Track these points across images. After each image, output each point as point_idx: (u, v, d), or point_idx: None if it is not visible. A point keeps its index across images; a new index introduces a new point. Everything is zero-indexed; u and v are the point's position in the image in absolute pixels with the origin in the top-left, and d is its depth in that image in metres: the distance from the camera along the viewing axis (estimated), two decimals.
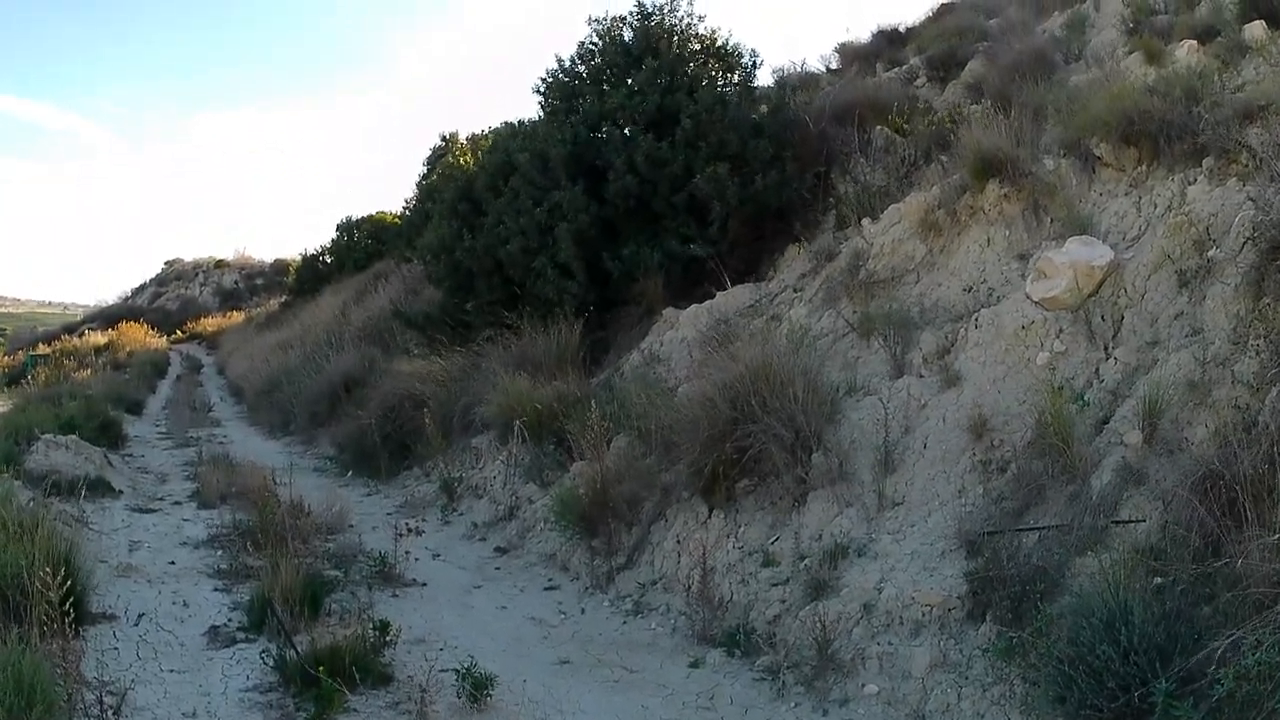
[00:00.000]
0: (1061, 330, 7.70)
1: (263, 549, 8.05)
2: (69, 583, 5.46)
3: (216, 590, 8.22)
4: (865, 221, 10.98)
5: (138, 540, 9.85)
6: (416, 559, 8.82)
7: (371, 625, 6.55)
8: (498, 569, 9.35)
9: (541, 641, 7.37)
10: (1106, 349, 7.46)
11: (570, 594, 8.49)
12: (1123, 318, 7.52)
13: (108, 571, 8.42)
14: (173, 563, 9.10)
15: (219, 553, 9.39)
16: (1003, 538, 6.24)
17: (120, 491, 12.27)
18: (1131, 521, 5.79)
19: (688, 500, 8.32)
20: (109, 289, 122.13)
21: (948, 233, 9.91)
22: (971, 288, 9.16)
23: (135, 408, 23.47)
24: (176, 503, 12.06)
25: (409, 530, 8.46)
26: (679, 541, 8.18)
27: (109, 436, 16.46)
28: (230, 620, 7.40)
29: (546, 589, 8.67)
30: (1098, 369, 7.34)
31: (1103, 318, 7.65)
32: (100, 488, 12.02)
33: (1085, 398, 7.11)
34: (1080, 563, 5.73)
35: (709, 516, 8.10)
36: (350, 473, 14.59)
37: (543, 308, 13.40)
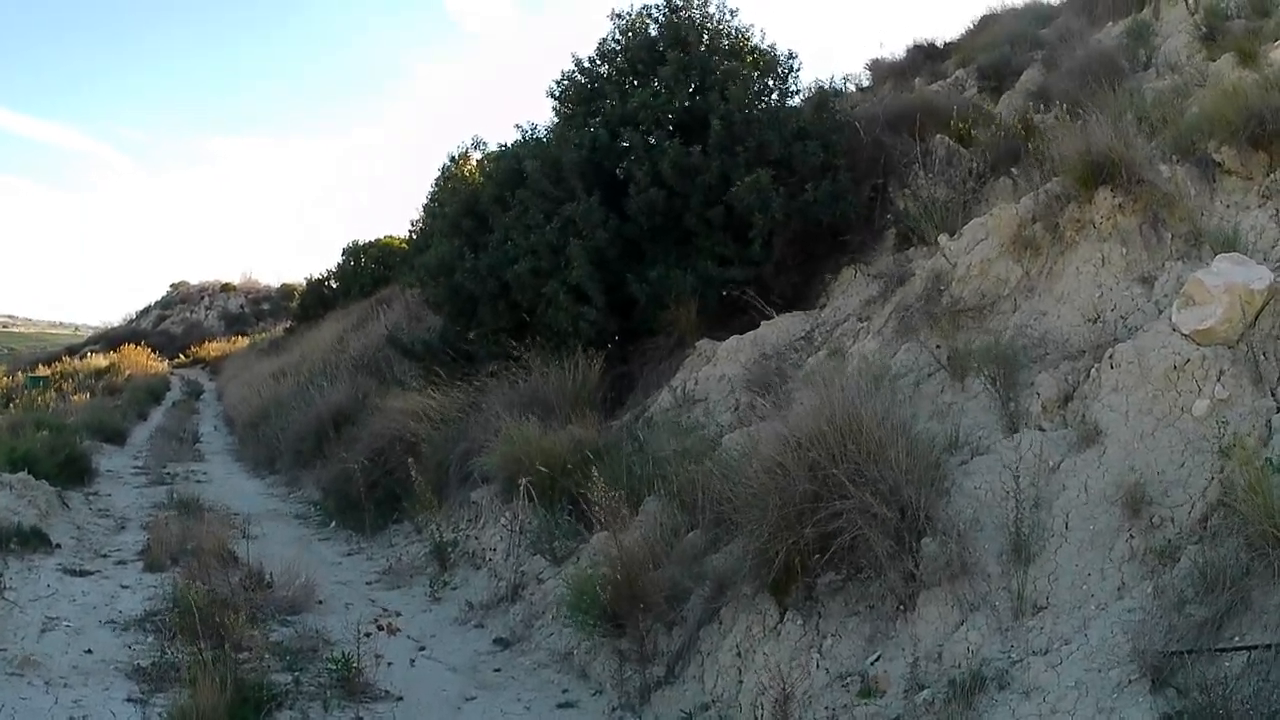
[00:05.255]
0: (1222, 371, 6.01)
1: (193, 643, 6.27)
2: None
3: (130, 701, 6.37)
4: (943, 239, 9.27)
5: (56, 616, 8.08)
6: (390, 664, 6.92)
7: None
8: (497, 671, 7.44)
9: None
10: (1274, 394, 5.87)
11: (592, 716, 6.58)
12: None
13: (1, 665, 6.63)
14: (89, 651, 7.32)
15: (150, 638, 7.58)
16: (1199, 660, 4.52)
17: (57, 545, 10.56)
18: None
19: (751, 598, 6.36)
20: (116, 311, 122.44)
21: (1048, 251, 8.24)
22: (1097, 317, 7.38)
23: (118, 437, 22.29)
24: (120, 562, 10.29)
25: (380, 629, 6.57)
26: (740, 653, 6.24)
27: (72, 472, 14.99)
28: None
29: (560, 706, 6.75)
30: (1269, 421, 5.70)
31: (1265, 355, 6.02)
32: (34, 540, 10.27)
33: (1273, 460, 5.32)
34: None
35: (781, 621, 6.15)
36: (334, 523, 12.90)
37: (555, 338, 11.69)
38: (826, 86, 13.84)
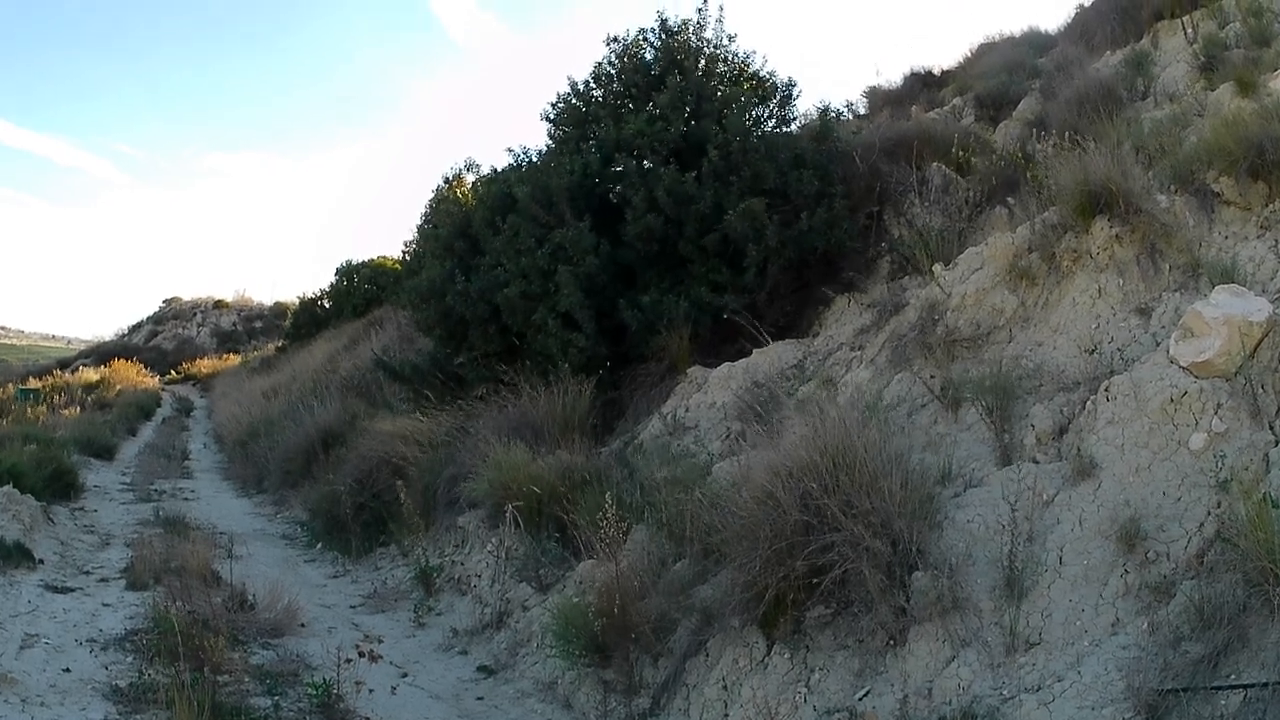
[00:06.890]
0: (1220, 404, 5.92)
1: (172, 664, 6.14)
2: None
3: None
4: (938, 268, 9.17)
5: (35, 634, 7.90)
6: (371, 690, 6.78)
7: None
8: (480, 700, 7.30)
9: None
10: (1272, 428, 5.75)
11: None
12: None
13: None
14: (67, 670, 7.13)
15: (130, 658, 7.44)
16: (1194, 699, 4.44)
17: (40, 561, 10.40)
18: None
19: (738, 630, 6.24)
20: (109, 325, 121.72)
21: (1044, 281, 8.15)
22: (1094, 349, 7.30)
23: (107, 453, 22.16)
24: (103, 580, 10.12)
25: (361, 655, 6.44)
26: (725, 687, 6.12)
27: (59, 487, 14.86)
28: None
29: None
30: (1267, 455, 5.59)
31: (1263, 387, 5.92)
32: (17, 556, 10.13)
33: (1271, 494, 5.24)
34: None
35: (768, 654, 6.05)
36: (320, 545, 12.75)
37: (545, 363, 11.57)
38: (828, 113, 13.76)
